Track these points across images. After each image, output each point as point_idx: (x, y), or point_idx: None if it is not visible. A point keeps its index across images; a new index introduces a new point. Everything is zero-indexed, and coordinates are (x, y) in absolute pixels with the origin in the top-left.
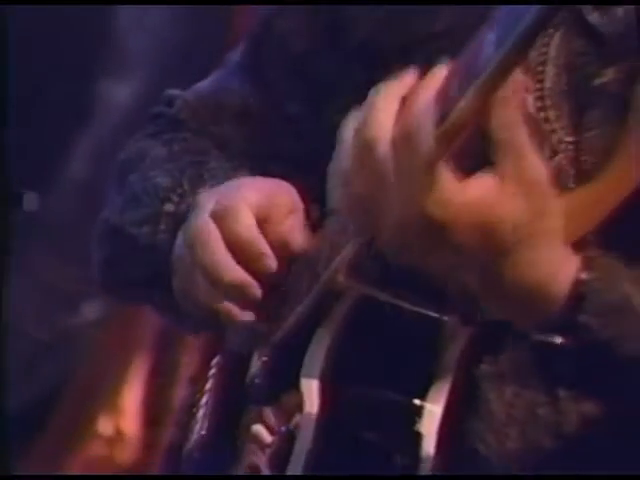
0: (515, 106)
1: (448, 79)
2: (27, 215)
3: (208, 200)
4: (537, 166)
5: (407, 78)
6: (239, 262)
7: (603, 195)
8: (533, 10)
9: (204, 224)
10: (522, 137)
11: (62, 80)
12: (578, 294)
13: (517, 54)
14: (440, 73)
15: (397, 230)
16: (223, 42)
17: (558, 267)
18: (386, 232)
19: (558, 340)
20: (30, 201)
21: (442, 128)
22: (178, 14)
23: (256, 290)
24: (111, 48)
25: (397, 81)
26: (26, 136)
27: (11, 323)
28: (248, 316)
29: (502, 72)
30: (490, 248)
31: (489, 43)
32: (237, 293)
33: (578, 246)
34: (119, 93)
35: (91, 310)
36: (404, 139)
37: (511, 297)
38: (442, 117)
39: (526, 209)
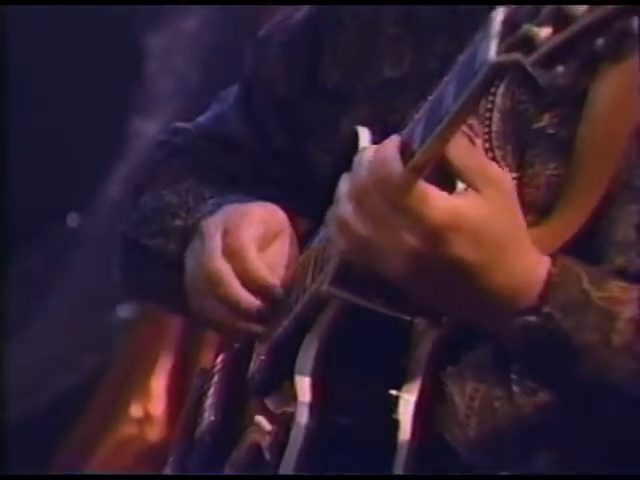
0: (461, 140)
1: (414, 124)
2: (70, 231)
3: (215, 228)
4: (496, 174)
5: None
6: (249, 289)
7: (560, 229)
8: (484, 68)
9: (220, 265)
10: (475, 154)
11: (101, 116)
12: (545, 288)
13: (470, 106)
14: (396, 137)
15: (404, 258)
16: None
17: (529, 263)
18: (391, 263)
19: (530, 322)
20: (72, 219)
21: (411, 163)
22: (199, 61)
23: (264, 309)
24: (143, 90)
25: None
26: (70, 165)
27: (57, 322)
28: (260, 328)
29: (458, 120)
30: (468, 252)
31: (449, 95)
32: (250, 314)
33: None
34: (148, 128)
35: (125, 311)
36: (381, 182)
37: (483, 296)
38: (410, 156)
39: (496, 209)
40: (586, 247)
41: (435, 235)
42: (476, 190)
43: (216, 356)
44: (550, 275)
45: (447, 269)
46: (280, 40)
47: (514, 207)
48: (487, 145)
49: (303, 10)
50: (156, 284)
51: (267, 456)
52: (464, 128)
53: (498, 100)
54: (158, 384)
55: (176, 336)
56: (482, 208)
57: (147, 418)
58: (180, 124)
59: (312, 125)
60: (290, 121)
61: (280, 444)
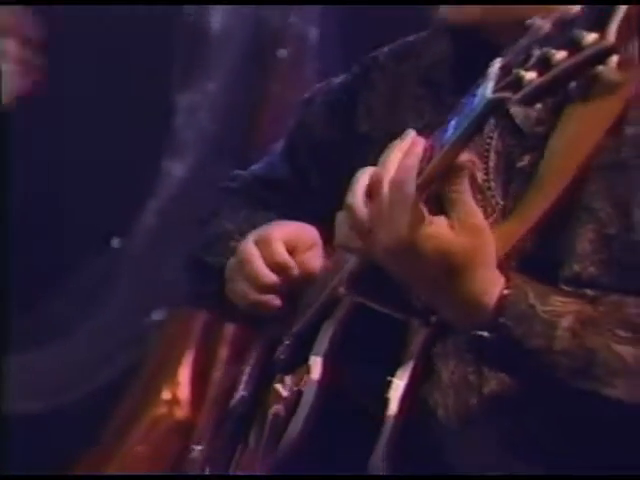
0: (462, 178)
1: (425, 149)
2: (114, 251)
3: (252, 234)
4: (476, 215)
5: (407, 144)
6: (267, 263)
7: (511, 230)
8: (482, 104)
9: (249, 247)
10: (467, 196)
11: (139, 158)
12: (501, 303)
13: (469, 136)
14: (419, 146)
15: (387, 246)
16: (250, 136)
17: (489, 283)
18: (379, 248)
19: (485, 335)
20: (116, 242)
21: (420, 179)
22: (218, 116)
23: (280, 286)
24: (172, 138)
25: (400, 144)
26: (115, 198)
27: (104, 325)
28: (276, 303)
29: (456, 148)
30: (445, 268)
31: (451, 126)
32: (268, 289)
33: (502, 269)
34: (176, 169)
35: (158, 315)
36: (398, 182)
37: (456, 304)
38: (420, 173)
39: (469, 243)
40: (551, 255)
41: (412, 245)
42: (458, 220)
43: (231, 350)
44: (504, 293)
45: (433, 267)
46: (322, 99)
47: (487, 239)
48: (485, 177)
49: (341, 77)
50: (215, 294)
51: (282, 413)
52: (469, 163)
53: (494, 143)
54: (183, 373)
55: (198, 335)
56: (463, 239)
57: (175, 400)
58: (237, 171)
59: (345, 165)
60: (327, 164)
61: (293, 406)
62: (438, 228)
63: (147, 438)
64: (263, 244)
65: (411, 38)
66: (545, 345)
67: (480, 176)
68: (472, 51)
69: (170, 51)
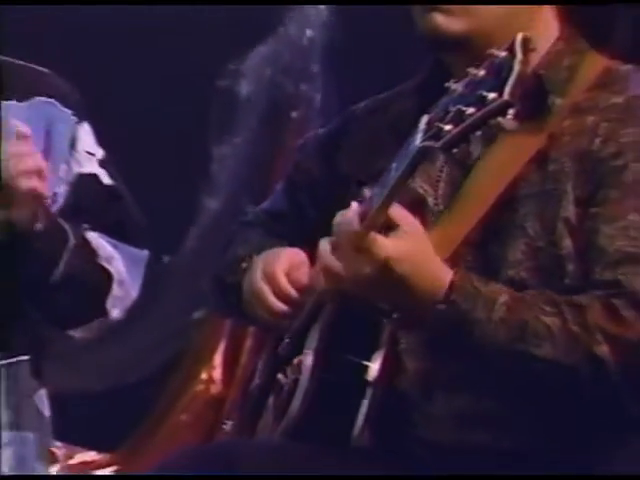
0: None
1: (375, 189)
2: (165, 266)
3: (260, 262)
4: (416, 226)
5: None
6: (277, 298)
7: (449, 239)
8: (413, 151)
9: (260, 284)
10: (409, 219)
11: (182, 195)
12: (451, 286)
13: (404, 179)
14: (357, 205)
15: (364, 281)
16: (269, 179)
17: (439, 273)
18: (357, 285)
19: (442, 307)
20: (166, 259)
21: (366, 221)
22: (243, 163)
23: (285, 310)
24: (209, 180)
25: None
26: (165, 225)
27: (157, 322)
28: (285, 323)
29: (397, 186)
30: (399, 272)
31: (393, 168)
32: (277, 312)
33: (451, 265)
34: (211, 204)
35: (198, 315)
36: (344, 232)
37: (416, 295)
38: (366, 214)
39: (412, 248)
40: (490, 263)
41: (381, 263)
42: (405, 233)
43: (253, 341)
44: (453, 279)
45: (390, 282)
46: (312, 145)
47: (427, 245)
48: (435, 202)
49: (326, 127)
50: (232, 305)
51: (284, 397)
52: (421, 190)
53: (444, 174)
54: (217, 358)
55: (229, 329)
56: (408, 245)
57: (210, 380)
58: (250, 207)
59: (332, 199)
60: (317, 197)
61: (292, 392)
62: (389, 242)
63: (189, 409)
64: (269, 279)
65: (382, 95)
66: (486, 316)
67: (431, 201)
68: (427, 108)
69: (208, 112)
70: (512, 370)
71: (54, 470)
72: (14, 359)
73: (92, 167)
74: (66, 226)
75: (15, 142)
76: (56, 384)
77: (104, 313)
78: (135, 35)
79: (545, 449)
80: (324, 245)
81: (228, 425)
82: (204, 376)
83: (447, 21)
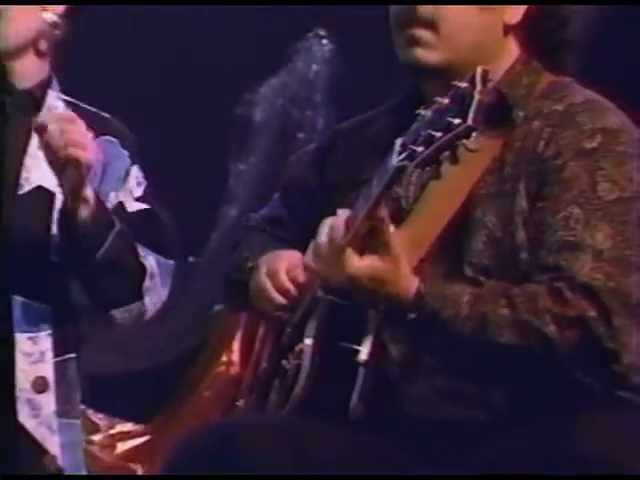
0: (384, 226)
1: (355, 208)
2: (190, 265)
3: (264, 262)
4: (395, 248)
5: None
6: (278, 293)
7: (422, 240)
8: (390, 169)
9: (264, 280)
10: (393, 241)
11: (205, 204)
12: (419, 292)
13: (383, 193)
14: (345, 213)
15: (331, 280)
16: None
17: (408, 284)
18: (331, 278)
19: (413, 316)
20: (191, 259)
21: (351, 232)
22: (258, 179)
23: (285, 303)
24: (228, 191)
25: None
26: (190, 230)
27: (183, 314)
28: (283, 312)
29: (377, 200)
30: (377, 283)
31: (374, 184)
32: (278, 305)
33: (418, 272)
34: (230, 211)
35: (218, 307)
36: (329, 239)
37: (390, 299)
38: (351, 221)
39: (382, 269)
40: (457, 253)
41: (350, 277)
42: (380, 255)
43: (265, 329)
44: (420, 286)
45: (360, 291)
46: (304, 158)
47: (398, 264)
48: (407, 202)
49: (318, 141)
50: (239, 299)
51: (288, 378)
52: (394, 194)
53: (413, 179)
54: (235, 344)
55: (245, 320)
56: (378, 266)
57: (230, 362)
58: (251, 214)
59: (323, 204)
60: (309, 204)
61: (295, 376)
62: (352, 265)
63: (211, 387)
64: (272, 277)
65: (363, 115)
66: (454, 313)
67: (403, 202)
68: (406, 127)
69: (228, 135)
70: (481, 354)
71: (97, 438)
72: (65, 356)
73: (137, 198)
74: (113, 215)
75: (63, 119)
76: (105, 366)
77: (141, 298)
78: (169, 70)
79: (513, 420)
80: (310, 246)
81: (241, 402)
82: (224, 359)
83: (426, 54)
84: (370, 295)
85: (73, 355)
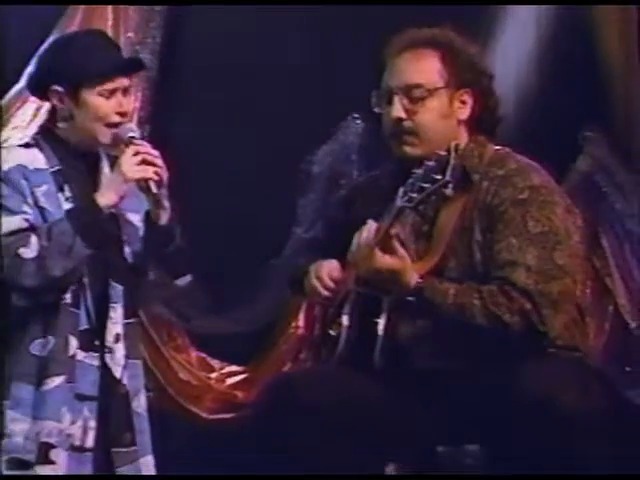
0: (393, 240)
1: (377, 227)
2: (271, 265)
3: (313, 269)
4: (402, 251)
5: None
6: (324, 289)
7: (428, 263)
8: (395, 209)
9: (314, 281)
10: (400, 251)
11: (282, 224)
12: (417, 284)
13: (393, 222)
14: (373, 227)
15: (363, 267)
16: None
17: (410, 277)
18: (363, 268)
19: (412, 299)
20: (273, 260)
21: (377, 239)
22: (311, 213)
23: (328, 295)
24: (296, 215)
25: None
26: (272, 242)
27: (262, 297)
28: (326, 301)
29: (391, 224)
30: (391, 275)
31: (386, 216)
32: (323, 297)
33: (426, 273)
34: (299, 231)
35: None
36: (364, 241)
37: (399, 289)
38: (378, 231)
39: (395, 264)
40: (444, 268)
41: (375, 268)
42: (394, 256)
43: (318, 309)
44: (419, 280)
45: (380, 277)
46: (339, 200)
47: (404, 262)
48: (409, 241)
49: (346, 191)
50: (300, 292)
51: (333, 342)
52: (402, 236)
53: (409, 228)
54: (300, 317)
55: (305, 302)
56: (393, 262)
57: (297, 328)
58: (304, 234)
59: (351, 233)
60: (343, 232)
61: (336, 338)
62: (377, 260)
63: (286, 343)
64: (319, 279)
65: (373, 173)
66: (443, 300)
67: (407, 240)
68: (400, 183)
69: (296, 181)
70: (461, 330)
71: (213, 375)
72: (129, 320)
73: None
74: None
75: (133, 145)
76: (218, 328)
77: (188, 274)
78: (250, 134)
79: (481, 371)
80: (351, 248)
81: (303, 355)
82: (293, 326)
83: (412, 150)
84: (386, 282)
85: (133, 320)
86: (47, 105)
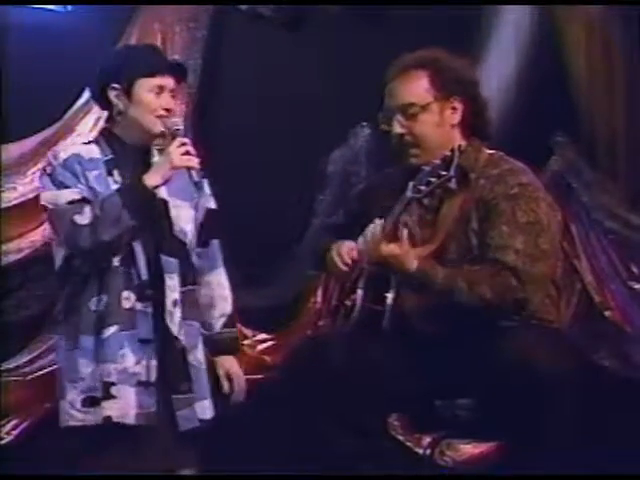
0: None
1: (387, 218)
2: (292, 251)
3: (335, 247)
4: (405, 239)
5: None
6: (343, 265)
7: (427, 249)
8: (406, 199)
9: (335, 257)
10: (405, 240)
11: (303, 215)
12: (417, 267)
13: (401, 212)
14: (380, 221)
15: (372, 254)
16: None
17: (411, 263)
18: (372, 255)
19: (413, 281)
20: (294, 247)
21: (384, 232)
22: (331, 206)
23: (347, 270)
24: (314, 209)
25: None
26: (295, 231)
27: (287, 277)
28: (344, 276)
29: (399, 216)
30: (394, 260)
31: (396, 208)
32: (342, 272)
33: (426, 257)
34: (316, 223)
35: (310, 271)
36: (373, 235)
37: (402, 271)
38: (384, 229)
39: (398, 252)
40: (445, 251)
41: (383, 255)
42: (398, 245)
43: (335, 283)
44: (418, 264)
45: (387, 262)
46: (357, 194)
47: (406, 250)
48: (415, 230)
49: (362, 186)
50: (321, 266)
51: (349, 311)
52: (409, 224)
53: (415, 218)
54: (319, 290)
55: (324, 277)
56: (397, 250)
57: (316, 300)
58: (328, 219)
59: (366, 221)
60: (360, 220)
61: (352, 307)
62: (384, 249)
63: (307, 313)
64: (339, 256)
65: (384, 172)
66: (434, 280)
67: (414, 230)
68: (409, 179)
69: (313, 180)
70: (450, 307)
71: (247, 342)
72: (185, 288)
73: (208, 203)
74: None
75: (179, 137)
76: (251, 302)
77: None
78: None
79: (466, 336)
80: (360, 238)
81: (322, 322)
82: (312, 300)
83: (416, 160)
84: (391, 266)
85: (189, 288)
86: (105, 114)
